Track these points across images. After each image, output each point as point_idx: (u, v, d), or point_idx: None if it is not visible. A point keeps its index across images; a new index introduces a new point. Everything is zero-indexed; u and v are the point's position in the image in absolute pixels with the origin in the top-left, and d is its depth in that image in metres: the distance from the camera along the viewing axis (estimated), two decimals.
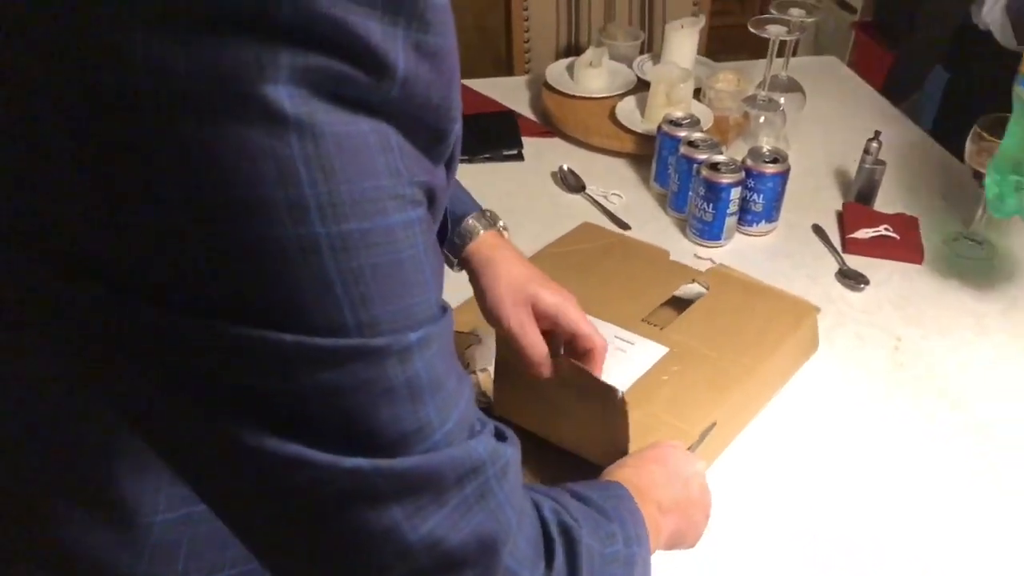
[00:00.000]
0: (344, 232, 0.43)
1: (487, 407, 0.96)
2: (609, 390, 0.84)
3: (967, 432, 1.08)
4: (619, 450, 0.85)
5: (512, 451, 0.55)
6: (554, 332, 0.89)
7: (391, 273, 0.46)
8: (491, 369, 0.97)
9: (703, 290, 1.15)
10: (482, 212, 0.94)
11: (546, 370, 0.87)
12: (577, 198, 1.45)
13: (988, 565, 0.93)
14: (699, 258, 1.29)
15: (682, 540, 0.81)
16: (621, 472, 0.80)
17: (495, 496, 0.53)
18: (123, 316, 0.45)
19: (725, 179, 1.29)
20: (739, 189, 1.31)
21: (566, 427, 0.90)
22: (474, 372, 0.98)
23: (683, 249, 1.34)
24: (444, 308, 0.51)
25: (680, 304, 1.13)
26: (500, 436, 0.56)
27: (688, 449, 0.91)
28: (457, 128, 0.50)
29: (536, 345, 0.87)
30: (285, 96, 0.40)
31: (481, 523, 0.52)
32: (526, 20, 2.00)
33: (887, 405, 1.11)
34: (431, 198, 0.49)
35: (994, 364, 1.19)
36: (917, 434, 1.08)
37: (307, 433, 0.46)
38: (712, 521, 0.85)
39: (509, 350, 0.87)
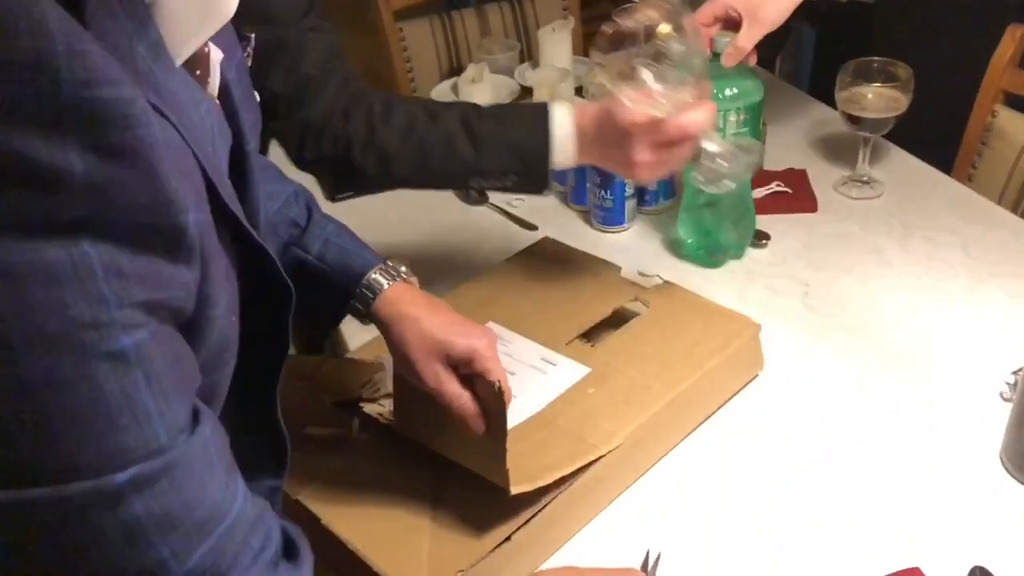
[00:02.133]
0: (19, 375, 0.40)
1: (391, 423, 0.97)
2: (488, 383, 0.83)
3: (881, 360, 1.13)
4: (499, 450, 0.83)
5: None
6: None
7: (87, 412, 0.42)
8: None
9: (645, 308, 1.13)
10: (384, 264, 0.91)
11: (477, 422, 0.84)
12: (482, 209, 1.48)
13: (913, 490, 0.98)
14: (644, 275, 1.22)
15: None
16: None
17: None
18: None
19: None
20: None
21: (458, 439, 0.89)
22: (384, 396, 0.99)
23: (592, 239, 1.38)
24: (191, 428, 0.47)
25: (621, 323, 1.11)
26: (291, 552, 0.54)
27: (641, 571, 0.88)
28: (193, 218, 0.46)
29: (458, 396, 0.84)
30: None
31: None
32: (405, 51, 2.03)
33: (804, 347, 1.16)
34: (177, 308, 0.47)
35: (897, 291, 1.25)
36: (836, 367, 1.12)
37: None
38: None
39: (402, 375, 0.87)
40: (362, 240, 0.95)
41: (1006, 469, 0.98)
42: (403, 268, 0.93)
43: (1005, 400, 1.06)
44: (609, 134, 1.00)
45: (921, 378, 1.10)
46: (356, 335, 1.10)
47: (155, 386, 0.45)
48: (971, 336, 1.16)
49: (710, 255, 1.31)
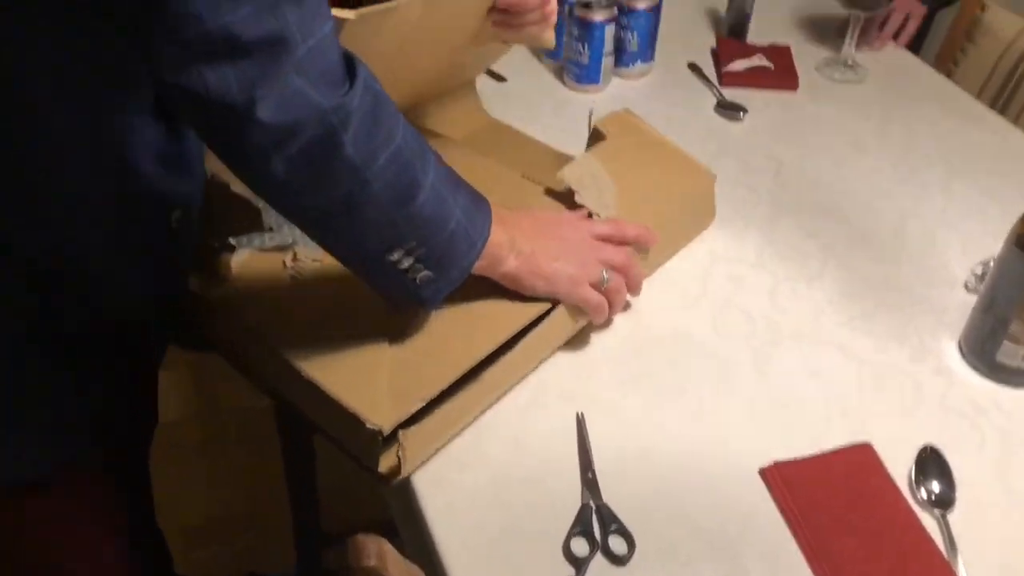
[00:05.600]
0: None
1: None
2: None
3: (849, 240, 1.10)
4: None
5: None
6: None
7: None
8: None
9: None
10: None
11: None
12: None
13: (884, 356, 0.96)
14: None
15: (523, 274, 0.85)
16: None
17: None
18: None
19: (598, 16, 1.26)
20: (613, 27, 1.28)
21: None
22: None
23: (562, 97, 1.31)
24: None
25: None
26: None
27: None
28: None
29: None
30: None
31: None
32: None
33: (771, 219, 1.12)
34: None
35: (871, 176, 1.21)
36: (801, 242, 1.09)
37: None
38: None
39: None
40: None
41: (963, 355, 0.96)
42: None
43: (969, 291, 1.04)
44: None
45: (886, 260, 1.07)
46: None
47: None
48: (942, 226, 1.13)
49: None
